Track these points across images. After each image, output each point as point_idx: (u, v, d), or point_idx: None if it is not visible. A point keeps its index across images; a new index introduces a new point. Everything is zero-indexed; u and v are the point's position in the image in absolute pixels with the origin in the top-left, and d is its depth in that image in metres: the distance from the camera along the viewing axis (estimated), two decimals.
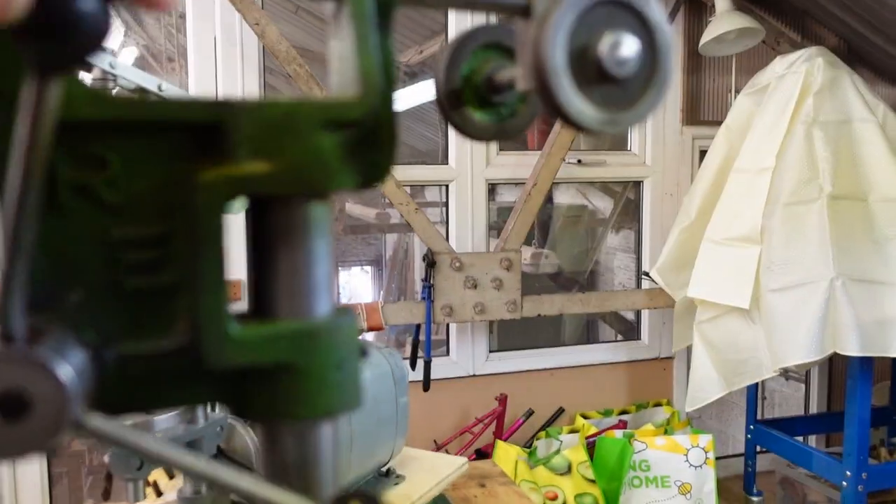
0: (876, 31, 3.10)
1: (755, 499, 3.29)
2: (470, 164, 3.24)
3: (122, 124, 0.36)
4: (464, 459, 1.64)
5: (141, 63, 4.52)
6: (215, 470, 0.36)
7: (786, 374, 3.36)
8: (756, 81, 3.05)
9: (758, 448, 3.28)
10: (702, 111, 3.54)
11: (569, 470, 2.98)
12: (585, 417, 3.35)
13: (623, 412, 3.45)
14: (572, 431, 3.22)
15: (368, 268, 9.40)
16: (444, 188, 3.33)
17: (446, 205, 3.34)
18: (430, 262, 3.03)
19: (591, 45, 0.37)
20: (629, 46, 0.37)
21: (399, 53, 4.77)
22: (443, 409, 3.24)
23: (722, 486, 3.27)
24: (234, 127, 0.36)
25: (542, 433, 3.25)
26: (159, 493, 1.29)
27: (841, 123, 2.73)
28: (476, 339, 3.32)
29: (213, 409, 1.17)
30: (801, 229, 2.63)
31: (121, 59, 1.08)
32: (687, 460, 3.07)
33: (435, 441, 3.17)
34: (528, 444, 3.22)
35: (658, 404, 3.52)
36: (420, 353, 3.03)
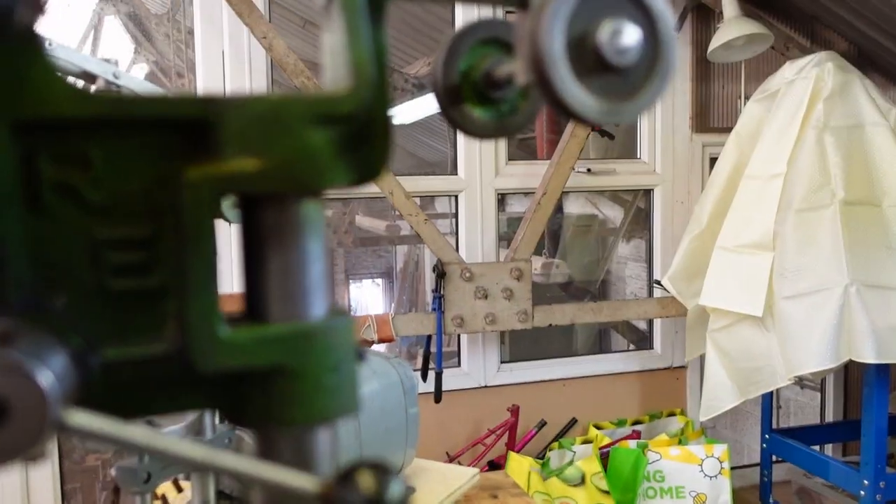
0: (887, 35, 3.08)
1: None
2: (479, 174, 3.23)
3: (106, 122, 0.35)
4: (475, 470, 1.63)
5: (151, 78, 4.56)
6: (212, 455, 0.35)
7: (801, 382, 3.33)
8: (766, 87, 3.03)
9: (773, 458, 3.24)
10: (711, 118, 3.52)
11: (582, 481, 2.95)
12: (598, 428, 3.32)
13: (636, 422, 3.43)
14: (585, 442, 3.19)
15: (379, 280, 9.43)
16: (453, 199, 3.33)
17: (456, 215, 3.33)
18: (441, 272, 3.02)
19: (590, 34, 0.36)
20: (630, 35, 0.36)
21: (407, 65, 4.79)
22: (455, 421, 3.22)
23: (738, 496, 3.23)
24: (221, 123, 0.35)
25: (555, 444, 3.22)
26: None
27: (852, 128, 2.71)
28: (487, 349, 3.30)
29: (221, 420, 1.16)
30: (813, 235, 2.61)
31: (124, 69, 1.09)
32: (702, 470, 3.03)
33: (447, 453, 3.15)
34: (541, 456, 3.19)
35: (672, 414, 3.49)
36: (431, 365, 3.01)
